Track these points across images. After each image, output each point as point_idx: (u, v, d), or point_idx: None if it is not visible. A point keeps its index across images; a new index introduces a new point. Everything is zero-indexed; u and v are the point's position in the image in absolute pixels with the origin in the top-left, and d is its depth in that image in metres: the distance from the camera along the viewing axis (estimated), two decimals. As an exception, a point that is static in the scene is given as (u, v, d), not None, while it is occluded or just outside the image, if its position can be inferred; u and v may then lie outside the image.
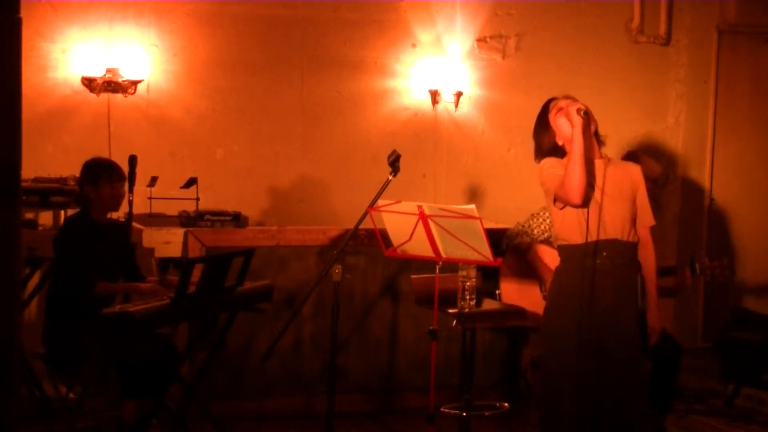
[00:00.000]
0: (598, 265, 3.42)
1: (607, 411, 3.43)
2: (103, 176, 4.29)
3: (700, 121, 6.87)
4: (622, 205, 3.47)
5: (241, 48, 6.03)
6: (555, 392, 3.48)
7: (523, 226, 4.87)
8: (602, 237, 3.42)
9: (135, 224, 4.69)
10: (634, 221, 3.52)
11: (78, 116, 5.72)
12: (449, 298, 4.02)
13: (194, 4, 5.93)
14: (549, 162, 3.51)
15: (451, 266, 4.02)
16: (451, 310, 3.98)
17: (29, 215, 5.30)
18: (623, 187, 3.51)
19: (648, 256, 3.62)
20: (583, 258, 3.43)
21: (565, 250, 3.52)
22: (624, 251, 3.48)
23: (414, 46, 6.33)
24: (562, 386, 3.43)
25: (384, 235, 4.01)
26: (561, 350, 3.45)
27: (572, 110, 3.39)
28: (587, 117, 3.39)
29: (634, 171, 3.60)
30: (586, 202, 3.39)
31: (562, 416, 3.44)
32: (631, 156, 4.70)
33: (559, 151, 3.52)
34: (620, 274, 3.48)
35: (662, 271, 4.65)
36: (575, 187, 3.35)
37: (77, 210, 4.42)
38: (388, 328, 5.08)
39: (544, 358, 3.61)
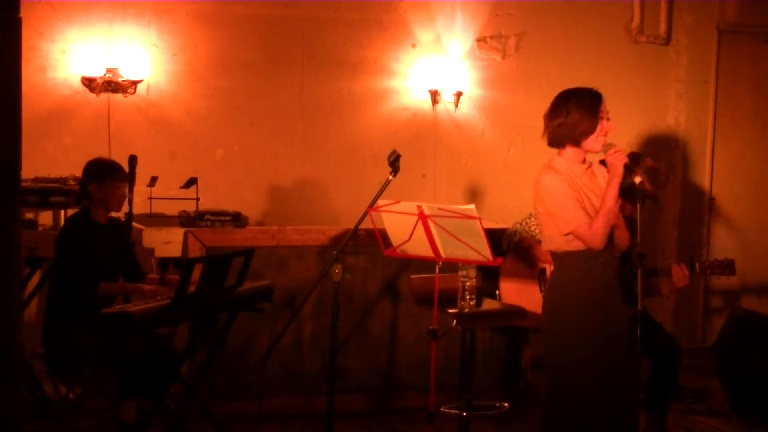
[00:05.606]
0: (603, 262, 3.47)
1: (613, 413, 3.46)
2: (109, 176, 4.30)
3: (700, 121, 6.88)
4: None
5: (241, 48, 6.04)
6: (579, 398, 3.46)
7: (522, 225, 4.88)
8: None
9: (135, 224, 4.69)
10: None
11: (78, 116, 5.72)
12: (449, 298, 4.02)
13: (194, 4, 5.93)
14: (559, 187, 3.45)
15: (451, 266, 4.02)
16: (451, 310, 3.98)
17: (29, 215, 5.31)
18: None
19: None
20: (591, 260, 3.46)
21: (568, 257, 3.49)
22: (612, 245, 3.55)
23: (414, 46, 6.33)
24: (588, 391, 3.43)
25: (384, 235, 4.01)
26: (586, 353, 3.44)
27: (619, 165, 3.37)
28: (628, 172, 3.41)
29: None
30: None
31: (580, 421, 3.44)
32: (632, 158, 4.69)
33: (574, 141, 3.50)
34: (613, 267, 3.54)
35: (660, 272, 4.65)
36: (603, 237, 3.41)
37: (77, 210, 4.43)
38: (388, 328, 5.08)
39: (567, 366, 3.51)
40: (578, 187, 3.47)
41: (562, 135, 3.51)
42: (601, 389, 3.42)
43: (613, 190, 3.38)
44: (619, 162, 3.38)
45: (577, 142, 3.49)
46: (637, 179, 3.42)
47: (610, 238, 3.51)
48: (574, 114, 3.47)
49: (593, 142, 3.48)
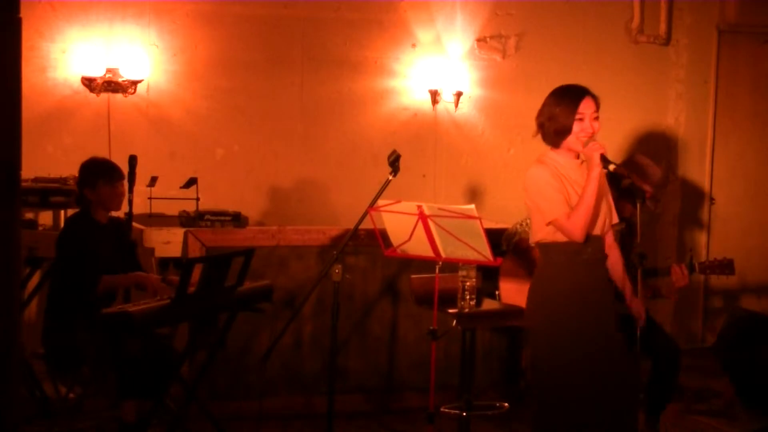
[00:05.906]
0: (587, 259, 3.44)
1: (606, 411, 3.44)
2: (102, 178, 4.29)
3: (700, 121, 6.88)
4: (600, 203, 3.49)
5: (241, 48, 6.03)
6: (563, 394, 3.45)
7: (521, 225, 4.88)
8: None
9: (135, 224, 4.69)
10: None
11: (78, 116, 5.72)
12: (449, 298, 4.02)
13: (194, 4, 5.93)
14: (543, 178, 3.44)
15: (451, 266, 4.02)
16: (451, 310, 3.98)
17: (29, 215, 5.30)
18: (601, 187, 3.50)
19: (618, 256, 3.67)
20: (573, 254, 3.43)
21: (551, 248, 3.49)
22: (602, 246, 3.53)
23: (414, 46, 6.33)
24: (570, 387, 3.42)
25: (384, 235, 4.01)
26: (566, 348, 3.43)
27: (596, 156, 3.34)
28: (605, 162, 3.37)
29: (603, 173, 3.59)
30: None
31: (570, 418, 3.43)
32: (630, 159, 4.70)
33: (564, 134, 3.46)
34: (602, 267, 3.52)
35: (660, 272, 4.66)
36: (581, 229, 3.36)
37: (78, 209, 4.43)
38: (388, 328, 5.08)
39: (546, 358, 3.53)
40: (566, 181, 3.44)
41: (543, 135, 3.50)
42: (600, 389, 3.41)
43: (593, 182, 3.34)
44: (596, 153, 3.34)
45: (555, 143, 3.46)
46: (611, 167, 3.36)
47: (601, 240, 3.50)
48: (549, 114, 3.43)
49: (572, 143, 3.41)
